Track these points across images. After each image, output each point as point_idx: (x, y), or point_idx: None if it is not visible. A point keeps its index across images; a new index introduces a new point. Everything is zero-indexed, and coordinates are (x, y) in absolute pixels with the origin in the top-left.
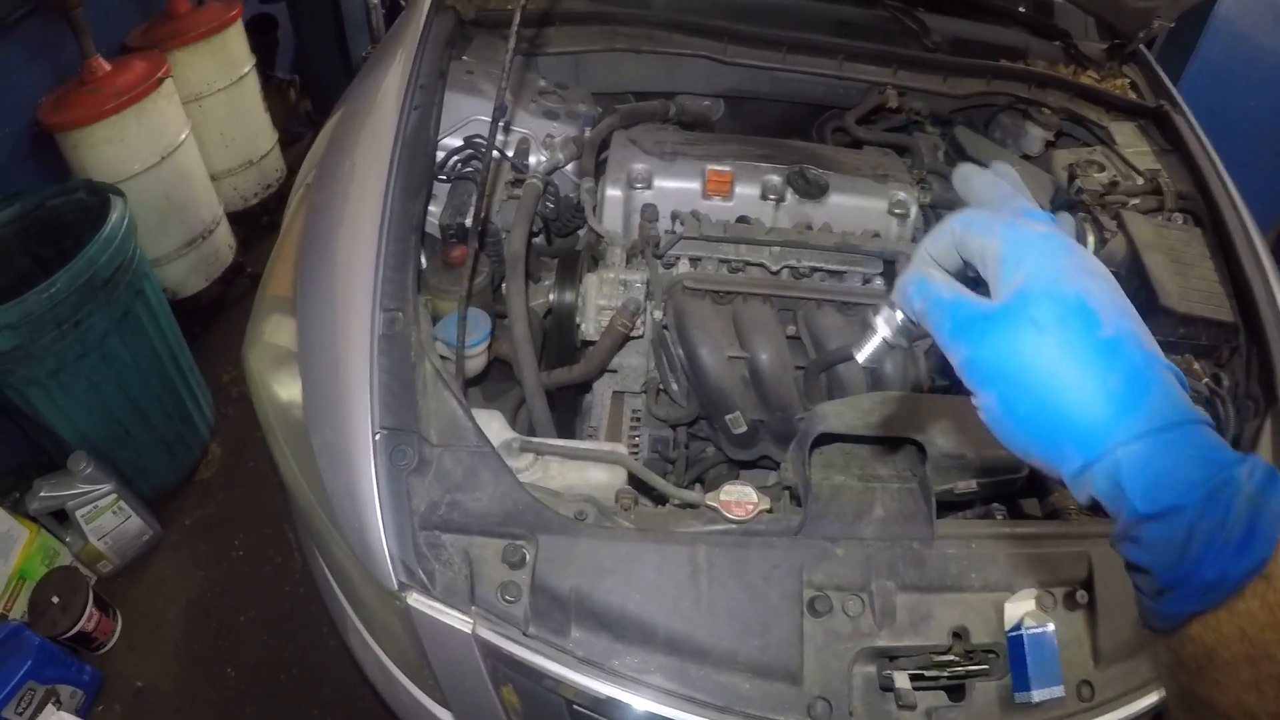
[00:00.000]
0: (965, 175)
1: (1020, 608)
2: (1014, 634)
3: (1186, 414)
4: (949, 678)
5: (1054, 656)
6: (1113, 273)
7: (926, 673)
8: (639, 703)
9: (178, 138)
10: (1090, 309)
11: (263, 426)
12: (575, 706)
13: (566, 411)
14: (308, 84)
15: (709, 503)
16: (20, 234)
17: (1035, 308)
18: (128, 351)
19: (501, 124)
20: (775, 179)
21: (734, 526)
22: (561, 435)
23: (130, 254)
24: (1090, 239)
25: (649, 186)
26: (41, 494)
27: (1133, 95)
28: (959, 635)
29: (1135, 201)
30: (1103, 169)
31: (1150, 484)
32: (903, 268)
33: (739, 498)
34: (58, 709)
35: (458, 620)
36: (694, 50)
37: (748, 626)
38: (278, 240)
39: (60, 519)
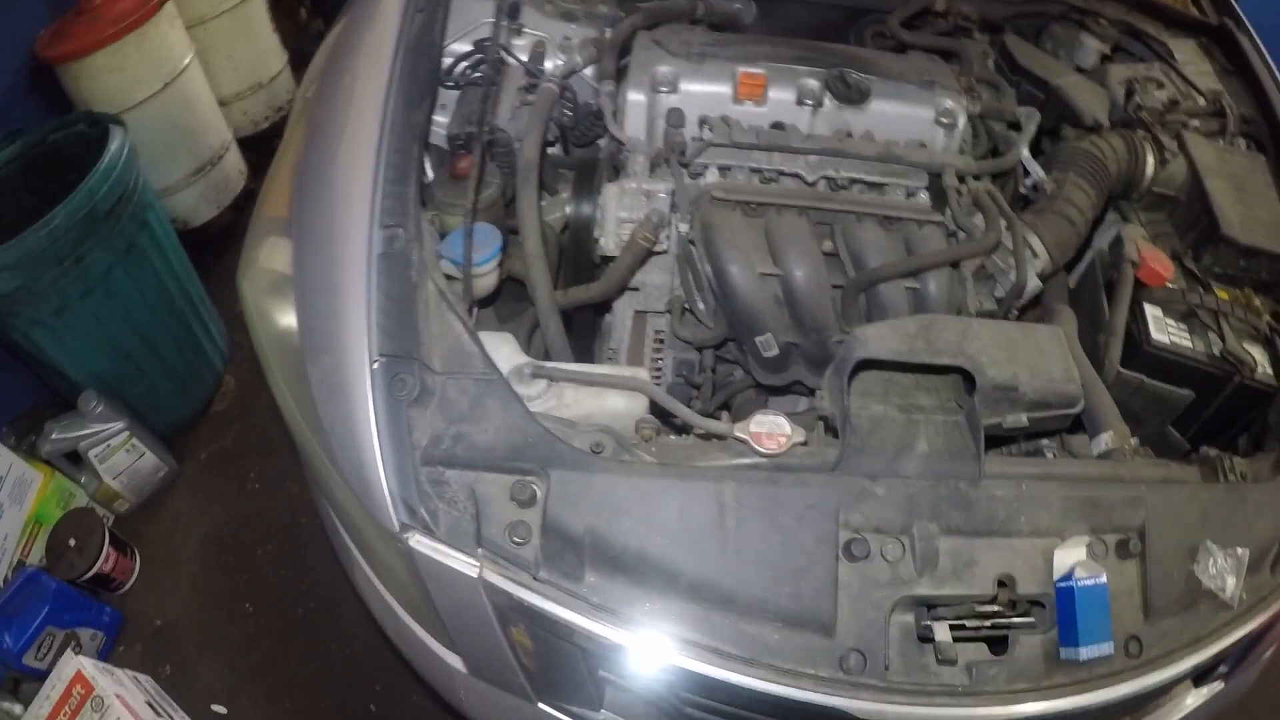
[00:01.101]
0: None
1: (1071, 556)
2: (1064, 584)
3: None
4: (991, 629)
5: (1105, 611)
6: (1172, 197)
7: (968, 623)
8: (658, 653)
9: (181, 62)
10: None
11: (259, 357)
12: (590, 655)
13: (585, 333)
14: (319, 2)
15: (738, 434)
16: (23, 171)
17: None
18: (133, 285)
19: (515, 27)
20: (813, 83)
21: (764, 461)
22: (579, 358)
23: (132, 184)
24: (1150, 159)
25: (675, 90)
26: (53, 436)
27: (1194, 11)
28: (1004, 584)
29: (1196, 123)
30: (1161, 86)
31: None
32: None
33: (771, 429)
34: (77, 653)
35: (463, 563)
36: None
37: (778, 572)
38: (274, 158)
39: (74, 460)
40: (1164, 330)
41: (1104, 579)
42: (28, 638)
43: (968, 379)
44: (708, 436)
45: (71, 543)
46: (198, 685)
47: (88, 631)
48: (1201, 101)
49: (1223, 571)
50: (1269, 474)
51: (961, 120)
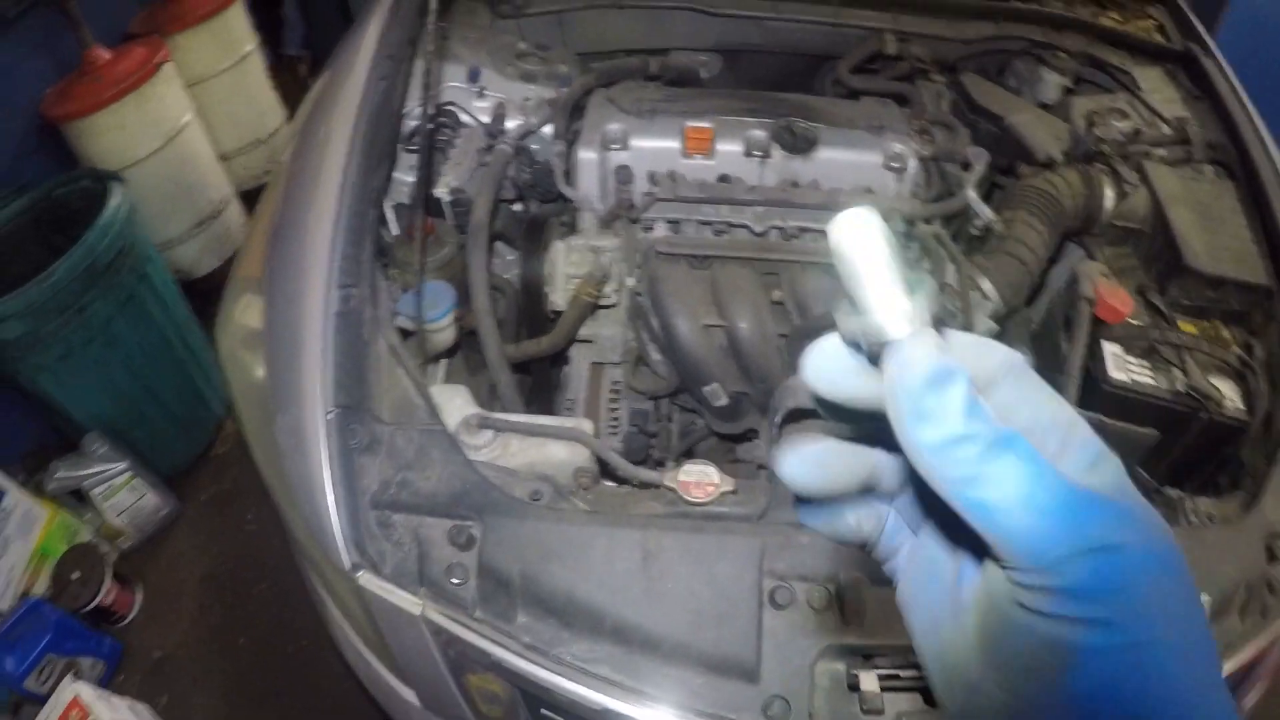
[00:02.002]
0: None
1: None
2: None
3: None
4: (923, 679)
5: None
6: (1135, 229)
7: (902, 674)
8: (584, 695)
9: (180, 121)
10: None
11: (234, 406)
12: (526, 693)
13: (544, 384)
14: (318, 59)
15: (667, 483)
16: (31, 224)
17: None
18: (134, 334)
19: (476, 89)
20: (760, 134)
21: (693, 509)
22: (542, 409)
23: (131, 239)
24: (1109, 192)
25: (625, 147)
26: (58, 475)
27: (1158, 38)
28: None
29: (1161, 152)
30: (1125, 116)
31: None
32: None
33: (699, 478)
34: (76, 680)
35: (407, 602)
36: (679, 2)
37: (701, 617)
38: (252, 218)
39: (79, 498)
40: (1123, 368)
41: None
42: (29, 663)
43: None
44: (644, 485)
45: (75, 575)
46: (193, 715)
47: (88, 660)
48: (1166, 130)
49: None
50: (1237, 514)
51: (911, 164)
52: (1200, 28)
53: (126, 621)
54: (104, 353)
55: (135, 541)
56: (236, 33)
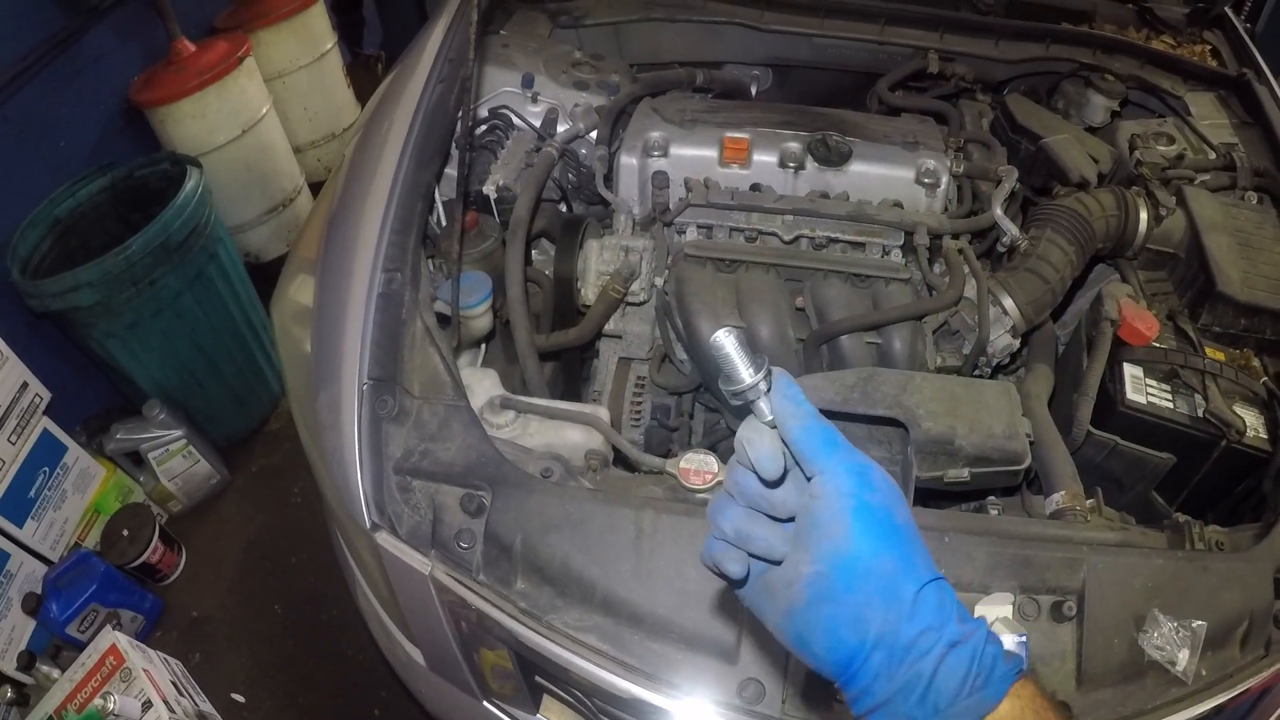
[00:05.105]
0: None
1: (993, 611)
2: None
3: None
4: None
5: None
6: (1171, 254)
7: None
8: (569, 660)
9: (258, 112)
10: None
11: (283, 372)
12: (522, 658)
13: (575, 376)
14: (393, 59)
15: (669, 469)
16: (112, 200)
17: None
18: (200, 310)
19: (530, 94)
20: (795, 146)
21: (691, 495)
22: (571, 399)
23: (204, 220)
24: (1143, 216)
25: (665, 154)
26: (118, 436)
27: (1212, 63)
28: None
29: (1205, 178)
30: (1171, 141)
31: None
32: (920, 239)
33: (699, 466)
34: (115, 629)
35: (418, 562)
36: (729, 17)
37: (686, 596)
38: (314, 204)
39: (135, 460)
40: (1142, 391)
41: (1023, 638)
42: (74, 610)
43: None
44: (649, 471)
45: (125, 533)
46: (223, 674)
47: (129, 613)
48: (1211, 155)
49: (1171, 643)
50: (1249, 544)
51: (944, 180)
52: (1257, 54)
53: (169, 581)
54: (171, 325)
55: (185, 506)
56: (317, 31)
